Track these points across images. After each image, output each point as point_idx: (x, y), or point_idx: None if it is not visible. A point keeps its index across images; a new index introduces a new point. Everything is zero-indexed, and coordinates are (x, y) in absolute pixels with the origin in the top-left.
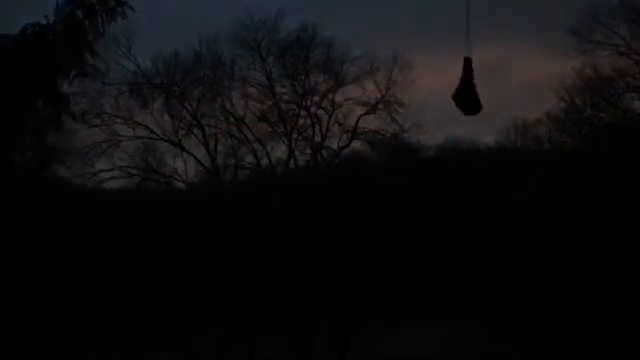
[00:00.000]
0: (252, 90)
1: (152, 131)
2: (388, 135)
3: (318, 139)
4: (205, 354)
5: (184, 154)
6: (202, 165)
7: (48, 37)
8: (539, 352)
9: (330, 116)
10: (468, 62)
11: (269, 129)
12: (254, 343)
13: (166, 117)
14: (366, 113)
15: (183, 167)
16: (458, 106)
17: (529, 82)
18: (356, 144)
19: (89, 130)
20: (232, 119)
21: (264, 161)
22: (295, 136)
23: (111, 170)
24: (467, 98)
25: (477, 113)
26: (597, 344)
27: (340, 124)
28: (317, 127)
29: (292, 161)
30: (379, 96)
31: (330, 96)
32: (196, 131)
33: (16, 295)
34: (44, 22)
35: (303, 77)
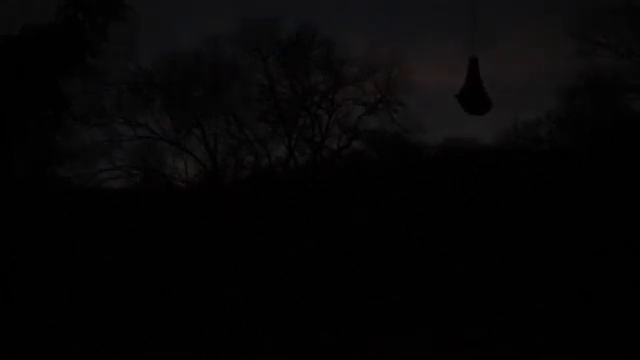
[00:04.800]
0: (252, 90)
1: (152, 131)
2: (388, 135)
3: (318, 139)
4: (204, 354)
5: (184, 154)
6: (202, 165)
7: (48, 38)
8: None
9: (330, 116)
10: (474, 62)
11: (269, 129)
12: (253, 343)
13: (166, 117)
14: (366, 113)
15: (183, 167)
16: (465, 106)
17: (529, 82)
18: (356, 144)
19: (89, 130)
20: (232, 119)
21: (264, 161)
22: (295, 136)
23: (111, 170)
24: (476, 98)
25: (486, 112)
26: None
27: (340, 124)
28: (317, 127)
29: (292, 161)
30: (379, 96)
31: (330, 96)
32: (196, 131)
33: (15, 295)
34: (44, 23)
35: (303, 77)
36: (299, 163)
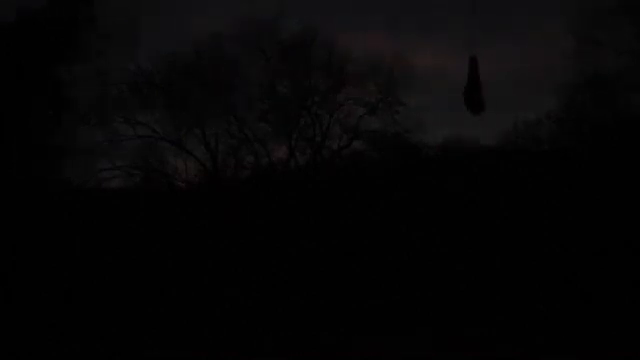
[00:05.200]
0: (253, 90)
1: (153, 130)
2: (389, 135)
3: (319, 139)
4: (204, 354)
5: (184, 154)
6: (202, 165)
7: (41, 21)
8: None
9: (331, 116)
10: (474, 62)
11: (269, 129)
12: (253, 343)
13: (167, 116)
14: (367, 113)
15: (183, 167)
16: (468, 106)
17: (530, 82)
18: (357, 144)
19: (89, 130)
20: (232, 119)
21: (264, 161)
22: (295, 136)
23: (111, 170)
24: (474, 98)
25: (480, 113)
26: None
27: (341, 124)
28: (318, 127)
29: (292, 161)
30: (380, 96)
31: (331, 96)
32: (196, 131)
33: (15, 295)
34: (38, 7)
35: (304, 77)
36: (299, 163)
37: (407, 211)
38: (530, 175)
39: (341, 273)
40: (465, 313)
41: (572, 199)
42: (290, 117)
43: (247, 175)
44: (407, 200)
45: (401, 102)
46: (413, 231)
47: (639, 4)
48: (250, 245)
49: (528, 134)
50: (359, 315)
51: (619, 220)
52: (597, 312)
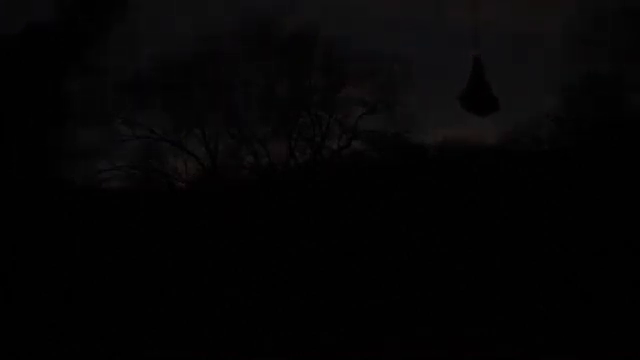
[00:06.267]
0: (252, 89)
1: (152, 131)
2: (388, 135)
3: (318, 139)
4: (204, 354)
5: (184, 154)
6: (202, 165)
7: (50, 37)
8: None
9: (330, 116)
10: (477, 62)
11: (269, 129)
12: (253, 343)
13: (166, 117)
14: (366, 113)
15: (183, 167)
16: (468, 107)
17: (530, 82)
18: (356, 144)
19: (89, 130)
20: (232, 119)
21: (264, 161)
22: (295, 136)
23: (111, 170)
24: (480, 98)
25: (491, 113)
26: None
27: (340, 124)
28: (317, 127)
29: (292, 161)
30: (379, 96)
31: (331, 96)
32: (196, 131)
33: (15, 295)
34: (45, 22)
35: (304, 77)
36: (299, 163)
37: (407, 211)
38: (530, 175)
39: (341, 273)
40: (465, 313)
41: (572, 199)
42: (290, 117)
43: (247, 175)
44: (407, 200)
45: (401, 102)
46: (413, 231)
47: (638, 6)
48: (250, 245)
49: (528, 134)
50: (359, 315)
51: (619, 220)
52: (597, 312)
